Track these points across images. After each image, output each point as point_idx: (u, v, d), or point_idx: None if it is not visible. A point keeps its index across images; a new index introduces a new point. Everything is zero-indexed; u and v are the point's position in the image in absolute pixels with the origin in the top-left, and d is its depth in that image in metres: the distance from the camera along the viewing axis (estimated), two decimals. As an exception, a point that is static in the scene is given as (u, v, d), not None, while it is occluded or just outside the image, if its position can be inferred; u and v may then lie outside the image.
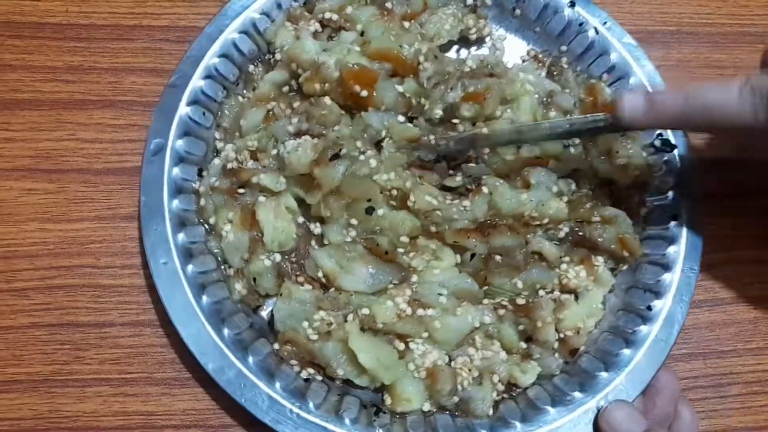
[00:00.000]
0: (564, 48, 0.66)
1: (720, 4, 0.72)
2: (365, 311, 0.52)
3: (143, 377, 0.55)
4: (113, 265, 0.58)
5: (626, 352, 0.53)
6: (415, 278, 0.54)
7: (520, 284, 0.55)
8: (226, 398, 0.51)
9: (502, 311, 0.55)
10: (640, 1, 0.72)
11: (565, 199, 0.58)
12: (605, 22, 0.65)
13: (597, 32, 0.65)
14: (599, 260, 0.57)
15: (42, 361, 0.55)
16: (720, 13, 0.72)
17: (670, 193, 0.59)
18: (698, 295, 0.61)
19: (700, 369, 0.59)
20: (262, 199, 0.55)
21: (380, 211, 0.54)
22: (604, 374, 0.53)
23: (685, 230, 0.57)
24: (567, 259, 0.57)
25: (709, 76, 0.69)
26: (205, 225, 0.56)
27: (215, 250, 0.56)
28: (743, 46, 0.71)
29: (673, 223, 0.58)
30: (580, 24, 0.65)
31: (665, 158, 0.60)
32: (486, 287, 0.55)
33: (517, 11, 0.67)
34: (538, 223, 0.57)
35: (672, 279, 0.56)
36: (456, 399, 0.52)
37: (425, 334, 0.53)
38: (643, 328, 0.54)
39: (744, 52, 0.70)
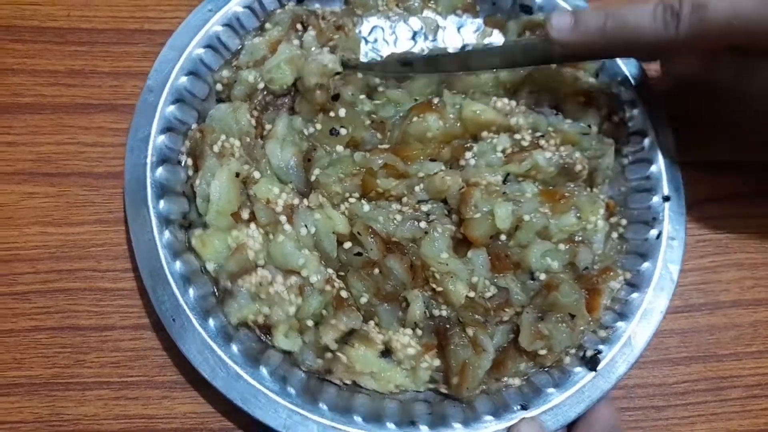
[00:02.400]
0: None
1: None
2: None
3: (144, 380, 0.55)
4: (114, 269, 0.58)
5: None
6: None
7: None
8: (227, 401, 0.51)
9: None
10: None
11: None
12: None
13: None
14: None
15: (43, 364, 0.55)
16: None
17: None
18: (698, 299, 0.61)
19: (700, 372, 0.59)
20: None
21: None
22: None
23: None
24: None
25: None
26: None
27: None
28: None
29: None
30: None
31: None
32: None
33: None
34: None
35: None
36: None
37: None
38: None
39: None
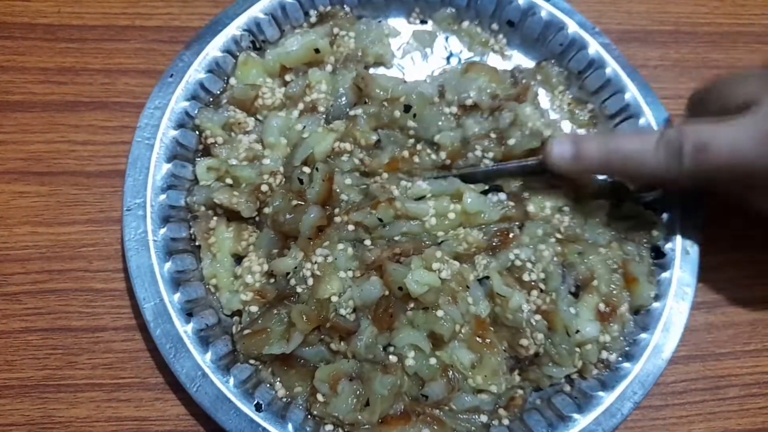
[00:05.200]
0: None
1: (718, 4, 0.72)
2: None
3: (136, 382, 0.54)
4: (106, 269, 0.57)
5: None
6: None
7: None
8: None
9: None
10: (638, 0, 0.72)
11: None
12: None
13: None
14: None
15: (34, 366, 0.54)
16: (718, 13, 0.72)
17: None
18: (697, 298, 0.60)
19: (698, 371, 0.59)
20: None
21: None
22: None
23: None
24: None
25: (707, 75, 0.69)
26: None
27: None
28: (741, 45, 0.70)
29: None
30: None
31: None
32: None
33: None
34: None
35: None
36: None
37: None
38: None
39: (741, 51, 0.70)
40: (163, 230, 0.54)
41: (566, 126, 0.64)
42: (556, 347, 0.52)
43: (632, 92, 0.62)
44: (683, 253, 0.57)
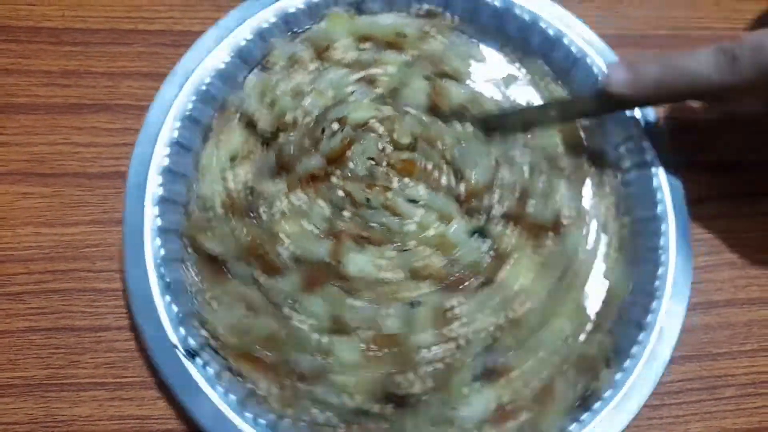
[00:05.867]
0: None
1: (713, 9, 0.73)
2: None
3: (139, 381, 0.55)
4: (109, 269, 0.58)
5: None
6: None
7: None
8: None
9: None
10: (634, 5, 0.72)
11: None
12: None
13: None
14: None
15: (37, 365, 0.55)
16: (713, 17, 0.73)
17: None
18: (693, 298, 0.61)
19: (694, 371, 0.59)
20: None
21: None
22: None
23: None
24: None
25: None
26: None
27: None
28: (736, 49, 0.71)
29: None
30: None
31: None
32: None
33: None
34: None
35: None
36: None
37: None
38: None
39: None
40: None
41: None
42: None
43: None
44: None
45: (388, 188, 0.55)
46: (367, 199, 0.55)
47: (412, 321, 0.51)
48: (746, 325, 0.61)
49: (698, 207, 0.60)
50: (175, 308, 0.51)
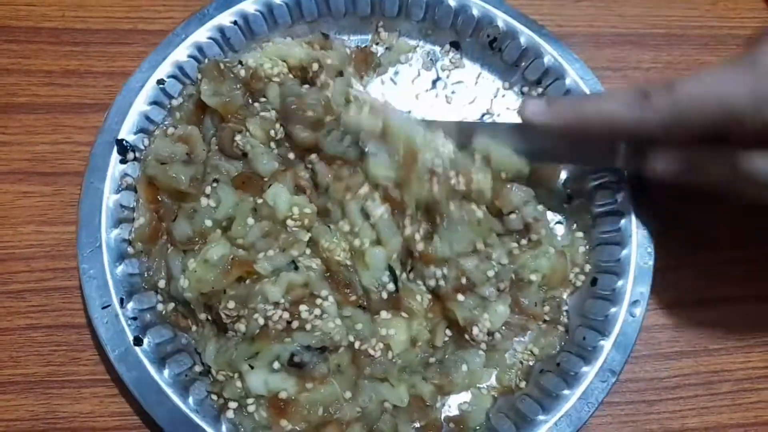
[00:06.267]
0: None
1: (709, 7, 0.73)
2: None
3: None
4: (109, 267, 0.58)
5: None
6: None
7: None
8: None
9: None
10: (631, 3, 0.73)
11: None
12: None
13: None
14: None
15: (38, 362, 0.55)
16: (709, 16, 0.73)
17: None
18: (689, 293, 0.62)
19: (691, 367, 0.60)
20: None
21: None
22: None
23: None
24: None
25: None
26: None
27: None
28: (732, 48, 0.72)
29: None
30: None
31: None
32: None
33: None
34: None
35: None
36: None
37: None
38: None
39: (733, 54, 0.71)
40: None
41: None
42: None
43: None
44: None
45: (351, 190, 0.55)
46: (328, 186, 0.56)
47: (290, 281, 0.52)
48: (742, 321, 0.61)
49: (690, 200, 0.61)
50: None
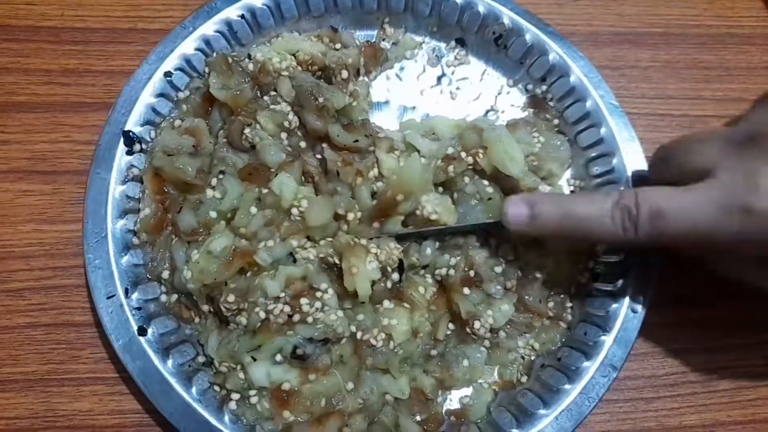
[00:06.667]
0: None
1: (707, 6, 0.74)
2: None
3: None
4: (109, 266, 0.58)
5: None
6: None
7: None
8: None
9: None
10: (630, 2, 0.73)
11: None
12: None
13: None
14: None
15: (38, 360, 0.55)
16: (707, 15, 0.73)
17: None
18: (688, 292, 0.62)
19: (689, 364, 0.60)
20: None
21: None
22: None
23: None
24: None
25: (697, 77, 0.70)
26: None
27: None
28: (729, 46, 0.72)
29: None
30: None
31: None
32: None
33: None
34: None
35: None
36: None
37: None
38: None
39: (731, 52, 0.72)
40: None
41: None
42: None
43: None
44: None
45: (362, 174, 0.57)
46: (338, 172, 0.57)
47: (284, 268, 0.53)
48: (740, 318, 0.62)
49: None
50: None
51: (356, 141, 0.58)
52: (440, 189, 0.59)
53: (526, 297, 0.57)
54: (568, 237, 0.54)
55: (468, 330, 0.55)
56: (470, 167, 0.58)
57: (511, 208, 0.52)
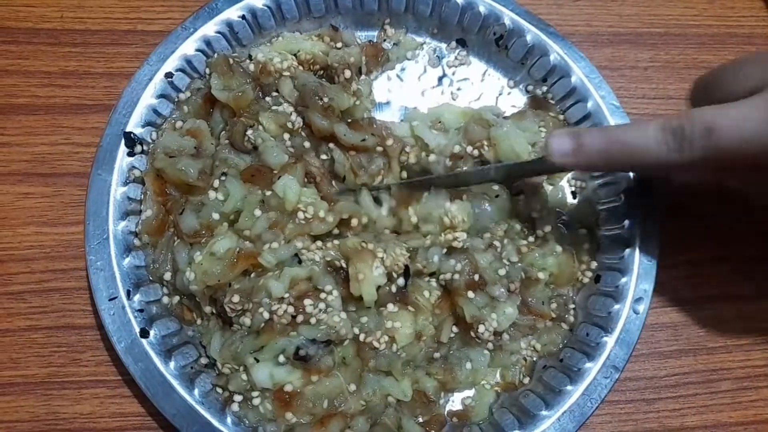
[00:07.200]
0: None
1: (706, 6, 0.74)
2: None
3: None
4: (109, 268, 0.58)
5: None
6: None
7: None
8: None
9: None
10: (629, 3, 0.73)
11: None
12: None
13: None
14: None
15: (39, 363, 0.55)
16: (706, 15, 0.73)
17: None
18: (688, 292, 0.62)
19: (690, 365, 0.60)
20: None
21: None
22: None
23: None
24: None
25: (696, 77, 0.70)
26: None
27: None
28: (729, 46, 0.72)
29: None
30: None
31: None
32: None
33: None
34: None
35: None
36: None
37: None
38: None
39: (731, 53, 0.71)
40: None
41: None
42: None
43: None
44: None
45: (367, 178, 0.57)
46: (344, 177, 0.58)
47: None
48: (740, 319, 0.62)
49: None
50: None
51: (363, 140, 0.58)
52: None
53: (529, 299, 0.57)
54: (615, 166, 0.53)
55: (472, 334, 0.54)
56: (476, 160, 0.59)
57: (555, 140, 0.51)
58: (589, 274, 0.59)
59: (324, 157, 0.59)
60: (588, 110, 0.63)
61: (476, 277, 0.54)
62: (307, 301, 0.51)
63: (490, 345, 0.55)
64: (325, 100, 0.57)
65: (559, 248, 0.58)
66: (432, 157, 0.59)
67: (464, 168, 0.59)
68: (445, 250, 0.56)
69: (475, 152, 0.59)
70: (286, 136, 0.58)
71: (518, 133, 0.59)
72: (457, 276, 0.55)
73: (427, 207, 0.57)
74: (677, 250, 0.62)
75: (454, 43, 0.68)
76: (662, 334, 0.61)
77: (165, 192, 0.57)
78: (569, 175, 0.63)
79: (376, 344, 0.53)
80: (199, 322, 0.56)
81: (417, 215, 0.58)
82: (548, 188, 0.62)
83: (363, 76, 0.63)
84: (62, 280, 0.58)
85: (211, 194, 0.55)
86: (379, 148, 0.59)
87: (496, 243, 0.57)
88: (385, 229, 0.58)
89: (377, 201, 0.58)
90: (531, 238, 0.59)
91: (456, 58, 0.67)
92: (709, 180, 0.56)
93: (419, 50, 0.68)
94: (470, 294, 0.54)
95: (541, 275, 0.57)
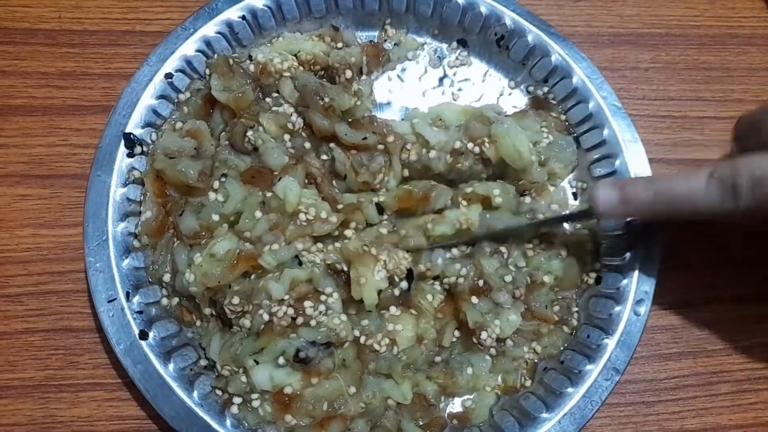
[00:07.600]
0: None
1: (707, 6, 0.73)
2: None
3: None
4: (107, 270, 0.58)
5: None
6: None
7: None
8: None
9: None
10: (630, 3, 0.73)
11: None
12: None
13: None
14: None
15: (36, 366, 0.55)
16: (707, 15, 0.73)
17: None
18: (688, 295, 0.62)
19: (690, 368, 0.60)
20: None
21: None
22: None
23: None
24: None
25: (697, 78, 0.70)
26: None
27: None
28: (730, 47, 0.71)
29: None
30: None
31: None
32: None
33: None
34: None
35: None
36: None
37: None
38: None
39: (732, 53, 0.71)
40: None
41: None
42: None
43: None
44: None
45: (370, 187, 0.57)
46: (345, 175, 0.57)
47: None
48: (740, 321, 0.61)
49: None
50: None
51: (365, 138, 0.57)
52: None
53: (533, 304, 0.57)
54: (661, 217, 0.52)
55: (474, 340, 0.54)
56: (477, 157, 0.59)
57: (601, 192, 0.51)
58: (593, 275, 0.59)
59: (324, 157, 0.58)
60: (589, 111, 0.63)
61: (481, 282, 0.54)
62: (308, 303, 0.51)
63: (492, 351, 0.55)
64: (326, 100, 0.57)
65: (564, 251, 0.58)
66: (432, 154, 0.59)
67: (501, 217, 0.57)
68: (449, 254, 0.56)
69: (476, 149, 0.59)
70: (287, 137, 0.58)
71: (519, 130, 0.59)
72: (461, 280, 0.55)
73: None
74: (678, 252, 0.61)
75: (455, 44, 0.67)
76: (662, 337, 0.60)
77: (165, 193, 0.57)
78: (570, 175, 0.63)
79: (376, 347, 0.52)
80: (198, 323, 0.55)
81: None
82: (550, 189, 0.61)
83: (364, 77, 0.63)
84: (59, 282, 0.57)
85: (211, 195, 0.55)
86: (380, 146, 0.59)
87: (503, 249, 0.56)
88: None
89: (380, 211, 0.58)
90: (536, 241, 0.59)
91: (457, 59, 0.67)
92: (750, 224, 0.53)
93: (420, 50, 0.67)
94: (474, 299, 0.54)
95: (546, 279, 0.57)
